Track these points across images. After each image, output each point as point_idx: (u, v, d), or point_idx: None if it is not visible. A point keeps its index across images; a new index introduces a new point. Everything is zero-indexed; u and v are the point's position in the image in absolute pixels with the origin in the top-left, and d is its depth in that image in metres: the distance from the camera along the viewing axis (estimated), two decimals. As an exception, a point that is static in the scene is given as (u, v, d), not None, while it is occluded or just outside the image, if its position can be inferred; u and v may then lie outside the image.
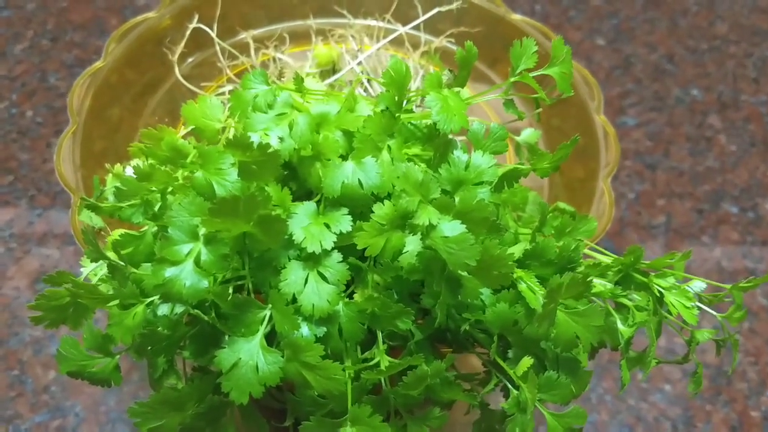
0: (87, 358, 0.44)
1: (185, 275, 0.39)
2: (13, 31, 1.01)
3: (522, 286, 0.42)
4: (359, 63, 0.58)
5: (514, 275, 0.43)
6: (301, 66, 0.63)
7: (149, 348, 0.43)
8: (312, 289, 0.43)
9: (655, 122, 0.98)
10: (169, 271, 0.38)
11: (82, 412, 0.72)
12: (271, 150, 0.40)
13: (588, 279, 0.39)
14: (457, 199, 0.42)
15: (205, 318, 0.42)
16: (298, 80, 0.47)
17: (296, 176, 0.48)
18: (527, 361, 0.41)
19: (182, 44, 0.64)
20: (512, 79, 0.46)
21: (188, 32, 0.64)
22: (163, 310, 0.43)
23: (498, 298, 0.43)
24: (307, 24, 0.70)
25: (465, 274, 0.41)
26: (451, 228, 0.39)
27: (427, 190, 0.40)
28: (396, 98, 0.46)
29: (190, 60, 0.68)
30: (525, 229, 0.49)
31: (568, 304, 0.41)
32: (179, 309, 0.43)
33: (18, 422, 0.71)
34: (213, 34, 0.64)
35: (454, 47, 0.70)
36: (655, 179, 0.92)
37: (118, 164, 0.52)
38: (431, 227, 0.40)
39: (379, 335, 0.45)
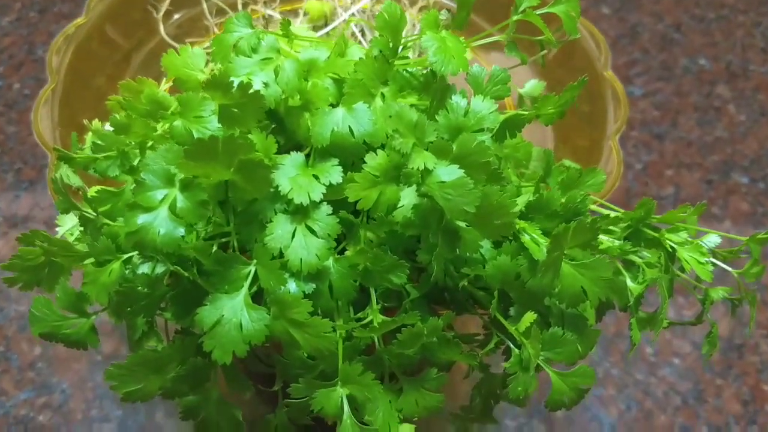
0: (61, 318, 0.41)
1: (159, 222, 0.36)
2: (0, 3, 0.98)
3: (525, 238, 0.39)
4: (352, 15, 0.55)
5: (517, 226, 0.40)
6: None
7: (127, 308, 0.40)
8: (300, 243, 0.40)
9: (662, 92, 0.95)
10: (142, 218, 0.35)
11: (69, 389, 0.69)
12: (252, 91, 0.37)
13: (596, 225, 0.36)
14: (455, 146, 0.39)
15: (186, 274, 0.39)
16: (285, 24, 0.44)
17: (283, 129, 0.45)
18: (530, 316, 0.38)
19: (167, 1, 0.61)
20: (515, 18, 0.42)
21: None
22: (144, 269, 0.40)
23: (499, 251, 0.40)
24: (299, -21, 0.67)
25: (463, 225, 0.38)
26: (448, 172, 0.36)
27: (422, 133, 0.37)
28: (390, 43, 0.43)
29: (176, 17, 0.65)
30: (528, 184, 0.46)
31: (574, 256, 0.38)
32: (160, 268, 0.40)
33: (3, 399, 0.69)
34: (200, -11, 0.61)
35: (453, 4, 0.67)
36: (663, 150, 0.89)
37: (97, 120, 0.49)
38: (427, 172, 0.37)
39: (373, 293, 0.42)
